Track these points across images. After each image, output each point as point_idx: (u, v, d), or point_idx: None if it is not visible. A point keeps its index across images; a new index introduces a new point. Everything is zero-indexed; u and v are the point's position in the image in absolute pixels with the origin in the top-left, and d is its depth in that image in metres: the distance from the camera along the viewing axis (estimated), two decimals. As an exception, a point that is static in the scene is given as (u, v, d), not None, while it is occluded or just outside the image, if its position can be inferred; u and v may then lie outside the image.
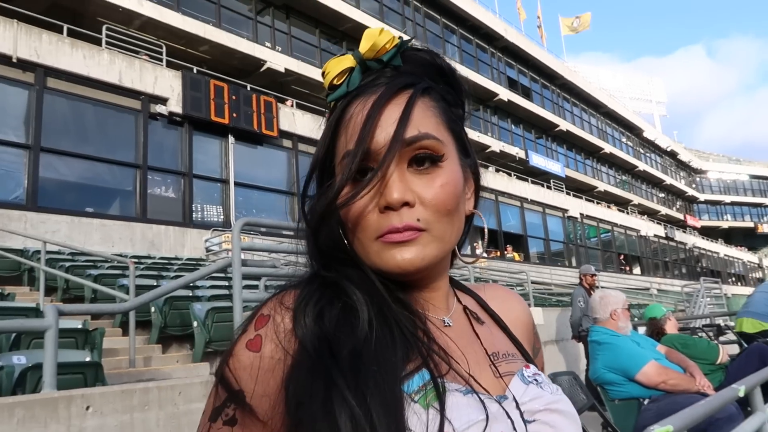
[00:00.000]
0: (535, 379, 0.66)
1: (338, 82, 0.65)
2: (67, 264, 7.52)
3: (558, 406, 0.63)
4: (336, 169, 0.63)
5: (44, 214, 9.33)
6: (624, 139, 35.61)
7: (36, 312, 4.70)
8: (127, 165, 11.33)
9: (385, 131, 0.60)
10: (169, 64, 12.86)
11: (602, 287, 10.22)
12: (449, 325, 0.66)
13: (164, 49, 13.11)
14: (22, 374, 3.30)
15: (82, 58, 10.60)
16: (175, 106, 12.04)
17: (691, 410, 2.19)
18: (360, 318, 0.58)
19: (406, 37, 0.69)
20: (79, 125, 10.78)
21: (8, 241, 8.21)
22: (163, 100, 11.97)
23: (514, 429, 0.58)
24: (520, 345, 0.74)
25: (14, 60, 9.41)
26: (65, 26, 10.70)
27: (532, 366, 0.69)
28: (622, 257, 28.45)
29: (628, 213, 30.67)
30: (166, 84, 12.06)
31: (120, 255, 8.55)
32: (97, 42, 11.42)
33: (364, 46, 0.65)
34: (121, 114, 11.46)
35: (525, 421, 0.60)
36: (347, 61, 0.65)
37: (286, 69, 15.96)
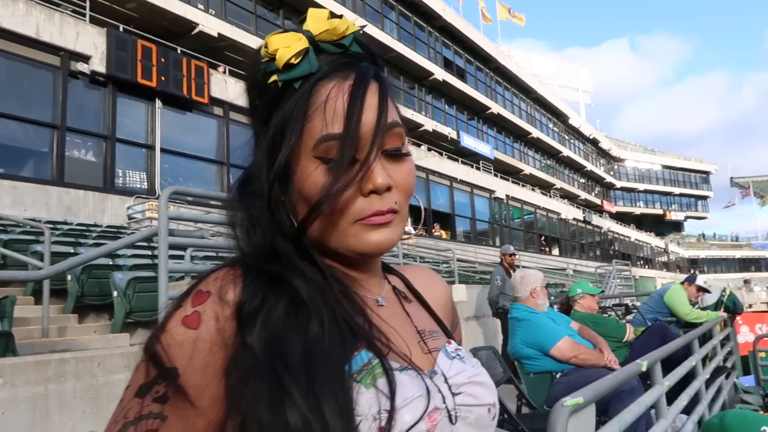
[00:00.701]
0: (458, 354, 0.70)
1: (296, 62, 0.62)
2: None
3: (479, 378, 0.68)
4: (305, 152, 0.62)
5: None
6: (551, 125, 36.84)
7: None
8: (42, 125, 10.62)
9: (368, 118, 0.61)
10: (93, 20, 12.08)
11: (523, 267, 10.66)
12: (382, 305, 0.70)
13: (88, 3, 12.30)
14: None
15: (-8, 5, 9.79)
16: (99, 65, 11.35)
17: (599, 383, 2.34)
18: (311, 316, 0.57)
19: (362, 22, 0.71)
20: (-12, 79, 9.99)
21: None
22: (86, 58, 11.25)
23: (445, 402, 0.62)
24: (442, 322, 0.78)
25: None
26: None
27: (453, 342, 0.74)
28: (542, 238, 29.70)
29: (550, 196, 31.92)
30: (89, 41, 11.33)
31: (33, 220, 8.06)
32: (11, -11, 10.56)
33: (318, 28, 0.64)
34: (38, 70, 10.69)
35: (453, 394, 0.64)
36: (301, 41, 0.63)
37: (219, 34, 15.37)
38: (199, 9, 15.20)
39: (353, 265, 0.69)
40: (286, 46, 0.62)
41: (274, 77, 0.63)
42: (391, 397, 0.55)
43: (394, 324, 0.67)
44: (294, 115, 0.62)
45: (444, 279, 0.92)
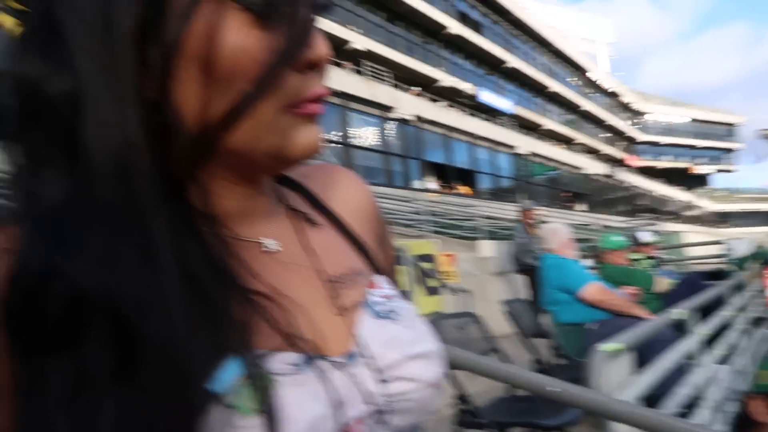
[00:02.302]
0: (389, 309, 0.49)
1: None
2: None
3: (418, 348, 0.47)
4: None
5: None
6: (570, 78, 35.98)
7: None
8: None
9: None
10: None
11: (550, 222, 10.56)
12: (269, 250, 0.46)
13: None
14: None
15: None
16: None
17: (634, 330, 2.30)
18: (162, 276, 0.35)
19: None
20: None
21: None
22: None
23: (372, 399, 0.43)
24: (364, 247, 0.54)
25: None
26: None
27: (379, 282, 0.51)
28: (567, 194, 29.35)
29: (573, 152, 31.41)
30: None
31: None
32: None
33: None
34: None
35: (383, 382, 0.44)
36: None
37: None
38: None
39: (234, 186, 0.45)
40: None
41: None
42: None
43: (288, 279, 0.45)
44: None
45: (364, 182, 0.61)
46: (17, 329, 0.34)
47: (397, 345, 0.46)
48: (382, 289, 0.51)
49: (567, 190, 29.39)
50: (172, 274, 0.35)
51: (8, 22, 0.43)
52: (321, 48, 0.42)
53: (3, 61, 0.38)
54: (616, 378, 1.99)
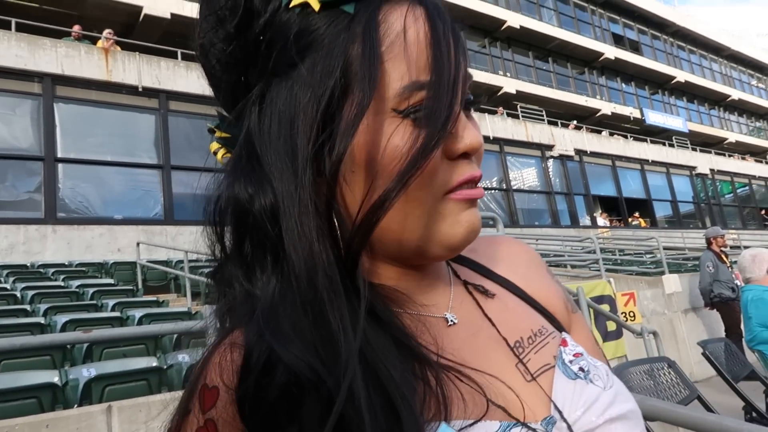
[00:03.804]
0: (581, 368, 0.49)
1: None
2: (206, 270, 8.14)
3: (617, 409, 0.47)
4: (377, 107, 0.44)
5: (180, 227, 10.18)
6: (754, 82, 32.15)
7: (189, 315, 5.16)
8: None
9: (457, 58, 0.46)
10: None
11: (745, 247, 9.36)
12: (454, 323, 0.50)
13: None
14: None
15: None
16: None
17: None
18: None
19: None
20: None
21: (154, 253, 9.06)
22: None
23: None
24: (544, 309, 0.57)
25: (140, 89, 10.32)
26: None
27: (568, 339, 0.53)
28: (764, 212, 25.80)
29: (767, 162, 27.72)
30: None
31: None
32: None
33: None
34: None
35: None
36: None
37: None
38: None
39: (414, 270, 0.50)
40: None
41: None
42: None
43: (475, 350, 0.48)
44: (364, 54, 0.43)
45: (525, 244, 0.65)
46: (251, 415, 0.39)
47: (595, 407, 0.46)
48: (569, 345, 0.51)
49: (764, 208, 25.81)
50: (351, 358, 0.39)
51: (218, 149, 0.56)
52: (469, 138, 0.46)
53: (218, 184, 0.47)
54: None
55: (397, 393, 0.39)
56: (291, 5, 0.44)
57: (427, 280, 0.51)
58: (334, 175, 0.43)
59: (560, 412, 0.46)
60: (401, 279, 0.49)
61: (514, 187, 15.70)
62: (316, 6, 0.44)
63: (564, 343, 0.52)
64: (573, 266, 9.96)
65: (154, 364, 3.78)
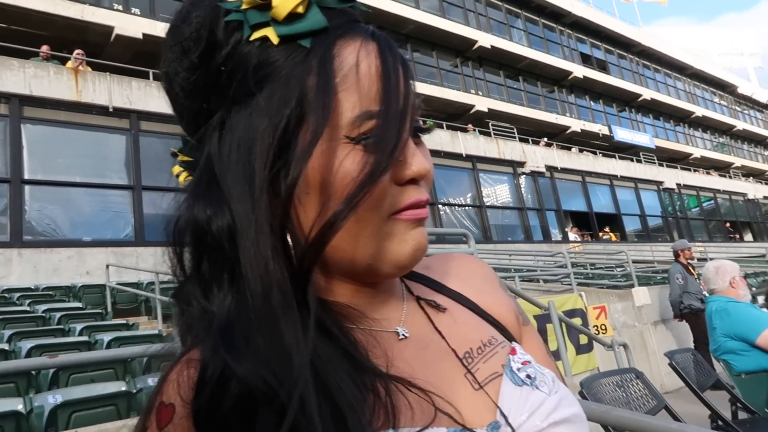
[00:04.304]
0: (528, 375, 0.52)
1: (303, 11, 0.47)
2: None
3: (561, 413, 0.50)
4: (330, 134, 0.46)
5: (151, 248, 10.03)
6: (717, 99, 33.19)
7: (160, 337, 5.07)
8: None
9: (405, 87, 0.49)
10: None
11: (711, 259, 9.59)
12: (405, 337, 0.52)
13: None
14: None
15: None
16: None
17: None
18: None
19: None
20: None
21: (124, 275, 8.91)
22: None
23: None
24: (495, 321, 0.59)
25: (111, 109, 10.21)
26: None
27: (517, 348, 0.55)
28: (729, 225, 26.48)
29: (730, 177, 28.52)
30: None
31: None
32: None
33: None
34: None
35: None
36: None
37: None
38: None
39: (368, 287, 0.53)
40: None
41: (262, 33, 0.47)
42: None
43: (425, 360, 0.50)
44: (319, 86, 0.46)
45: (480, 260, 0.68)
46: (206, 428, 0.41)
47: (540, 411, 0.48)
48: (517, 353, 0.54)
49: (729, 221, 26.51)
50: (302, 370, 0.41)
51: (180, 172, 0.58)
52: (417, 166, 0.49)
53: (177, 207, 0.49)
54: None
55: (346, 403, 0.41)
56: (252, 38, 0.47)
57: (380, 297, 0.53)
58: (288, 197, 0.46)
59: (505, 417, 0.48)
60: (355, 296, 0.52)
61: (487, 204, 15.86)
62: (275, 40, 0.46)
63: (513, 351, 0.54)
64: (545, 281, 10.07)
65: (123, 388, 3.71)
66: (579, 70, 23.36)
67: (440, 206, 14.40)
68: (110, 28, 12.38)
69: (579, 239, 18.02)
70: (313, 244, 0.45)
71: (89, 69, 10.42)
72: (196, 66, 0.49)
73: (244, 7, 0.47)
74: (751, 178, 30.79)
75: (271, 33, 0.46)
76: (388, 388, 0.44)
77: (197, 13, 0.49)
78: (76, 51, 10.50)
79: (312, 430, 0.39)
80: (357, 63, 0.47)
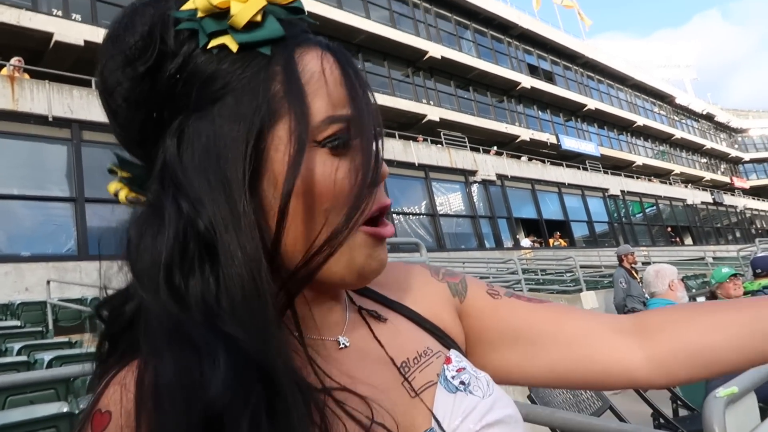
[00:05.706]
0: (461, 381, 0.52)
1: (260, 20, 0.46)
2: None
3: (494, 414, 0.51)
4: (310, 135, 0.45)
5: (96, 262, 9.67)
6: (656, 109, 34.68)
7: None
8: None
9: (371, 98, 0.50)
10: None
11: (654, 262, 9.97)
12: (345, 346, 0.53)
13: None
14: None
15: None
16: None
17: (757, 370, 2.13)
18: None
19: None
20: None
21: (66, 291, 8.56)
22: None
23: None
24: (432, 325, 0.60)
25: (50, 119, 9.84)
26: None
27: (452, 357, 0.56)
28: (670, 229, 27.63)
29: (671, 183, 29.81)
30: None
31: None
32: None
33: None
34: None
35: None
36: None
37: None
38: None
39: (321, 294, 0.53)
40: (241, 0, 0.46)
41: (220, 40, 0.45)
42: None
43: (363, 369, 0.51)
44: (290, 90, 0.45)
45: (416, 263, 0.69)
46: None
47: (473, 415, 0.49)
48: (453, 361, 0.55)
49: (670, 225, 27.67)
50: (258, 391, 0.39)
51: (118, 189, 0.53)
52: (384, 168, 0.50)
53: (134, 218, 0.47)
54: (740, 427, 1.84)
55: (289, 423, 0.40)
56: (209, 46, 0.45)
57: (327, 304, 0.54)
58: (283, 211, 0.44)
59: (439, 423, 0.49)
60: (311, 303, 0.51)
61: (441, 212, 16.03)
62: (234, 47, 0.45)
63: (448, 361, 0.55)
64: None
65: (65, 409, 3.54)
66: (527, 81, 24.00)
67: (394, 215, 14.47)
68: (49, 35, 11.96)
69: (532, 246, 18.40)
70: (306, 267, 0.45)
71: (27, 77, 10.02)
72: (142, 75, 0.46)
73: (200, 15, 0.45)
74: (690, 184, 32.24)
75: (230, 41, 0.45)
76: (324, 401, 0.43)
77: (143, 21, 0.47)
78: (14, 58, 10.09)
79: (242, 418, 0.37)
80: (321, 69, 0.47)
